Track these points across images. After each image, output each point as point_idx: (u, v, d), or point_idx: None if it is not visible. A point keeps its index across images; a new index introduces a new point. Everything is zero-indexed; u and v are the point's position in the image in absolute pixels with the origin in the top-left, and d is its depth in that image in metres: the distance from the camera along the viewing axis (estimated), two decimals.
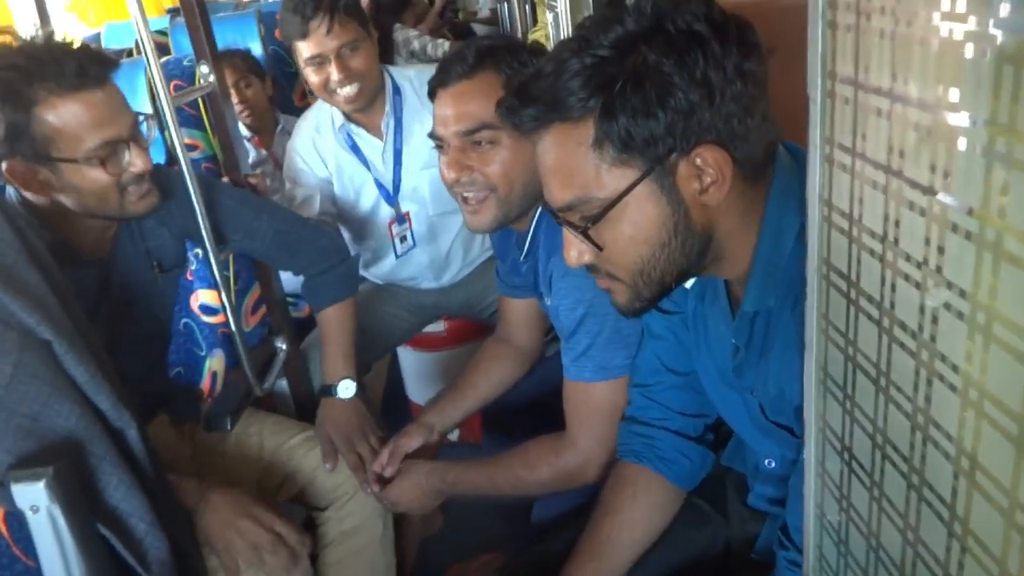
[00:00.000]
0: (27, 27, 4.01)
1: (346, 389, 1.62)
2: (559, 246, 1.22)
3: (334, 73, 1.80)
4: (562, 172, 0.85)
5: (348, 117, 1.93)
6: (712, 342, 1.05)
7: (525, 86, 0.86)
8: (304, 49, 1.81)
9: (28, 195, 1.23)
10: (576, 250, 0.89)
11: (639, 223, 0.83)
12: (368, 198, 1.99)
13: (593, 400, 1.25)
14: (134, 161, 1.24)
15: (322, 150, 1.97)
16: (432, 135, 1.29)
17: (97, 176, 1.21)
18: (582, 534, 1.17)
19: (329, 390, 1.63)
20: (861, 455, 0.58)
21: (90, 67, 1.18)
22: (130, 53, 2.13)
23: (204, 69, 1.53)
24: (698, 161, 0.80)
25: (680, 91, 0.77)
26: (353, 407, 1.62)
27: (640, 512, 1.16)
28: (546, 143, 0.86)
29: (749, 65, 0.79)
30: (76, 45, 1.21)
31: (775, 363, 0.92)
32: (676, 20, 0.79)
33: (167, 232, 1.44)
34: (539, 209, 1.31)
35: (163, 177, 1.35)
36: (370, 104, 1.89)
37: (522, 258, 1.40)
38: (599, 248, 0.86)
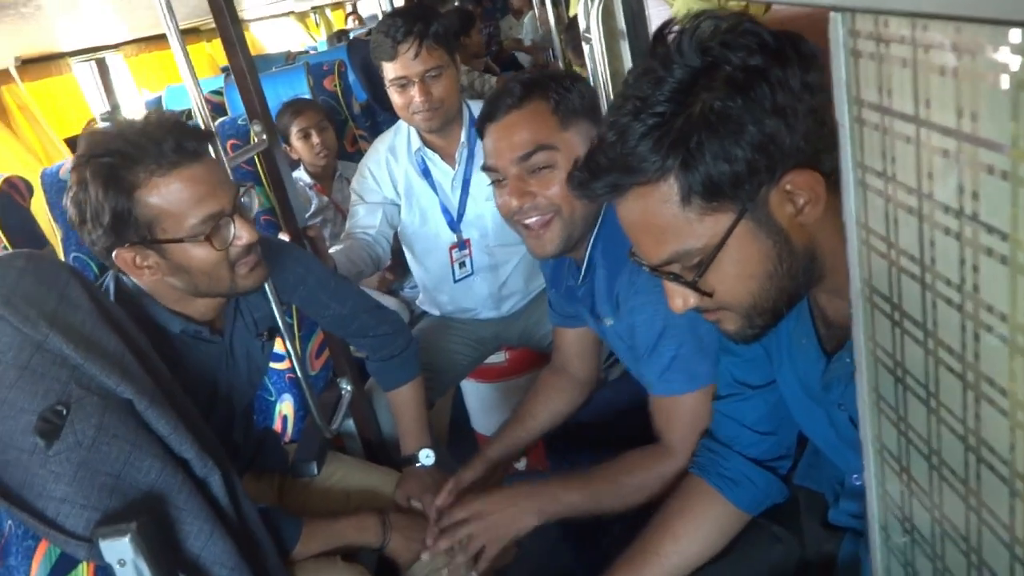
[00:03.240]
0: (95, 98, 4.24)
1: (427, 457, 1.67)
2: (623, 265, 1.24)
3: (416, 96, 1.87)
4: (652, 231, 0.84)
5: (424, 142, 2.00)
6: (795, 355, 1.04)
7: (592, 158, 0.84)
8: (390, 70, 1.89)
9: (142, 281, 1.22)
10: (680, 297, 0.87)
11: (742, 261, 0.82)
12: (433, 222, 2.05)
13: (685, 411, 1.25)
14: (240, 234, 1.20)
15: (394, 172, 2.05)
16: (486, 169, 1.32)
17: (204, 253, 1.18)
18: (634, 540, 1.17)
19: (411, 459, 1.68)
20: (919, 476, 0.57)
21: (187, 143, 1.15)
22: (190, 115, 2.23)
23: (257, 128, 1.60)
24: (788, 187, 0.78)
25: (755, 127, 0.76)
26: (435, 472, 1.66)
27: (694, 526, 1.16)
28: (628, 205, 0.85)
29: (811, 76, 0.77)
30: (169, 120, 1.18)
31: None
32: (730, 59, 0.77)
33: (267, 301, 1.47)
34: (595, 233, 1.33)
35: (264, 248, 1.33)
36: (446, 126, 1.96)
37: (579, 282, 1.41)
38: (708, 295, 0.85)
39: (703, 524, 1.16)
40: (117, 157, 1.12)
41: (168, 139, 1.13)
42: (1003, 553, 0.47)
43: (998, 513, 0.47)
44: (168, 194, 1.14)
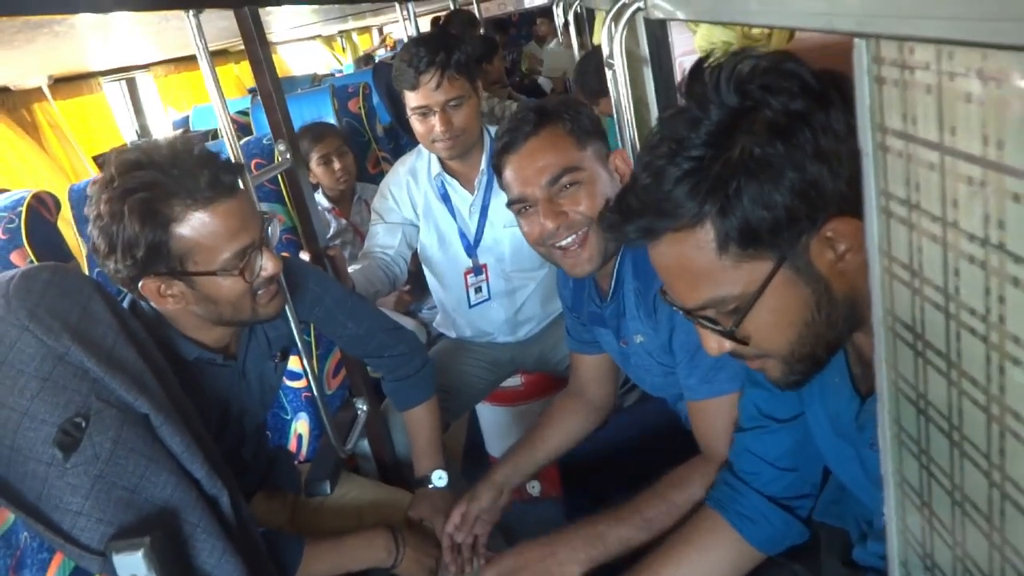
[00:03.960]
0: (123, 117, 4.31)
1: (440, 479, 1.66)
2: (656, 277, 1.24)
3: (437, 125, 1.89)
4: (687, 277, 0.82)
5: (444, 168, 2.02)
6: (827, 393, 1.01)
7: (624, 199, 0.82)
8: (412, 99, 1.91)
9: (166, 308, 1.22)
10: (716, 342, 0.85)
11: (780, 310, 0.79)
12: (450, 246, 2.07)
13: (729, 411, 1.23)
14: (266, 265, 1.22)
15: (414, 194, 2.07)
16: (513, 201, 1.32)
17: (233, 285, 1.19)
18: (636, 568, 1.15)
19: (424, 480, 1.67)
20: (941, 511, 0.56)
21: (224, 177, 1.16)
22: (215, 134, 2.26)
23: (281, 147, 1.62)
24: (829, 234, 0.75)
25: (796, 172, 0.73)
26: (447, 493, 1.65)
27: (698, 556, 1.13)
28: (661, 250, 0.82)
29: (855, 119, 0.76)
30: (198, 152, 1.18)
31: None
32: (771, 103, 0.74)
33: (283, 321, 1.48)
34: (621, 254, 1.34)
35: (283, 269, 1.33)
36: (467, 154, 1.98)
37: (607, 301, 1.41)
38: (744, 344, 0.83)
39: (710, 557, 1.14)
40: (153, 190, 1.12)
41: (205, 173, 1.14)
42: None
43: (1022, 551, 0.46)
44: (203, 228, 1.15)
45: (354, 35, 8.60)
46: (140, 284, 1.17)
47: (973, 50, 0.41)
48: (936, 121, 0.47)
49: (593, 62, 2.95)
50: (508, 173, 1.31)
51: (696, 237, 0.78)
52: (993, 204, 0.43)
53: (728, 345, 0.85)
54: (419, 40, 1.95)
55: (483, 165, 1.99)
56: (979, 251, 0.45)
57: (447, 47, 1.88)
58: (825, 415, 1.02)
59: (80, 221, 1.53)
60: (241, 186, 1.25)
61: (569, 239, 1.29)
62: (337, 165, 2.71)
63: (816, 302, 0.79)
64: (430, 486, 1.65)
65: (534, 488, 2.42)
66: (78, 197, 1.56)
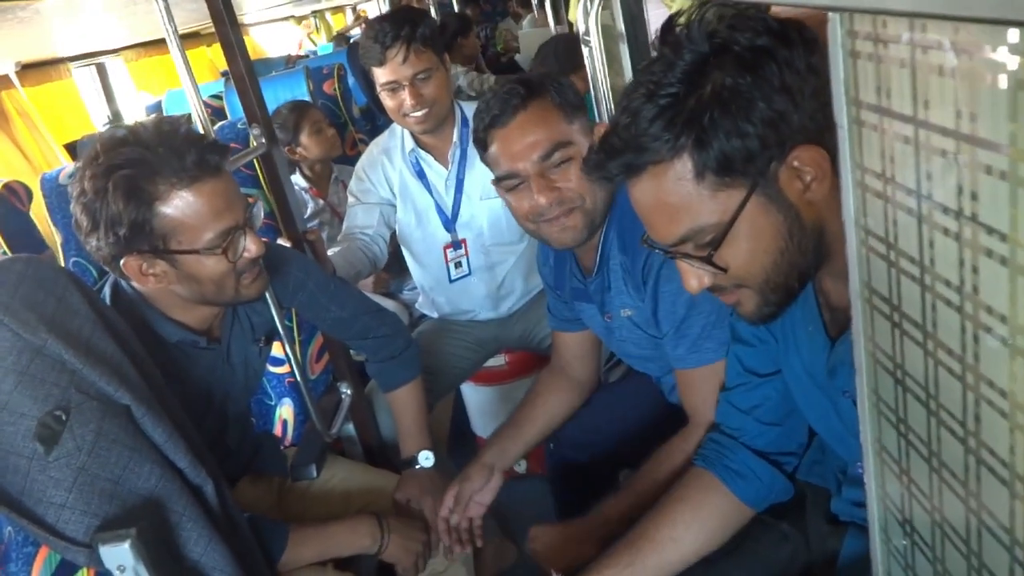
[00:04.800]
0: (94, 103, 4.23)
1: (426, 459, 1.67)
2: (643, 249, 1.26)
3: (407, 99, 1.89)
4: (667, 210, 0.86)
5: (418, 143, 2.02)
6: (801, 343, 1.05)
7: (606, 140, 0.87)
8: (380, 75, 1.90)
9: (144, 288, 1.23)
10: (695, 277, 0.89)
11: (755, 236, 0.84)
12: (428, 222, 2.07)
13: (717, 378, 1.25)
14: (249, 247, 1.22)
15: (389, 173, 2.06)
16: (502, 176, 1.31)
17: (216, 264, 1.19)
18: (632, 528, 1.17)
19: (410, 461, 1.68)
20: (919, 478, 0.57)
21: (210, 156, 1.16)
22: (189, 119, 2.23)
23: (256, 131, 1.60)
24: (796, 163, 0.81)
25: (764, 103, 0.79)
26: (434, 474, 1.66)
27: (692, 514, 1.15)
28: (642, 186, 0.87)
29: (814, 59, 0.80)
30: (184, 131, 1.17)
31: None
32: (739, 40, 0.80)
33: (266, 306, 1.47)
34: (606, 225, 1.35)
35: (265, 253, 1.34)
36: (438, 127, 1.97)
37: (592, 277, 1.42)
38: (723, 271, 0.87)
39: (702, 513, 1.16)
40: (138, 167, 1.11)
41: (191, 152, 1.13)
42: (1003, 555, 0.47)
43: (998, 515, 0.47)
44: (187, 207, 1.15)
45: (328, 15, 8.48)
46: (122, 262, 1.16)
47: (945, 23, 0.42)
48: (910, 95, 0.47)
49: (554, 46, 2.94)
50: (496, 147, 1.30)
51: (675, 169, 0.83)
52: (966, 176, 0.43)
53: (707, 279, 0.88)
54: (384, 16, 1.96)
55: (455, 138, 1.99)
56: (953, 223, 0.46)
57: (412, 21, 1.88)
58: (802, 367, 1.05)
59: (53, 211, 1.51)
60: (227, 167, 1.24)
61: (557, 211, 1.29)
62: (330, 131, 2.72)
63: (788, 230, 0.84)
64: (417, 467, 1.66)
65: (520, 466, 2.43)
66: (51, 186, 1.53)
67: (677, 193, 0.83)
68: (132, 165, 1.11)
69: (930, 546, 0.58)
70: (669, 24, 0.86)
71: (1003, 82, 0.38)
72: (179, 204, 1.14)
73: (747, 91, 0.78)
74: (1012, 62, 0.37)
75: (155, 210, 1.13)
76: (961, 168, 0.44)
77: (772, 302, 0.89)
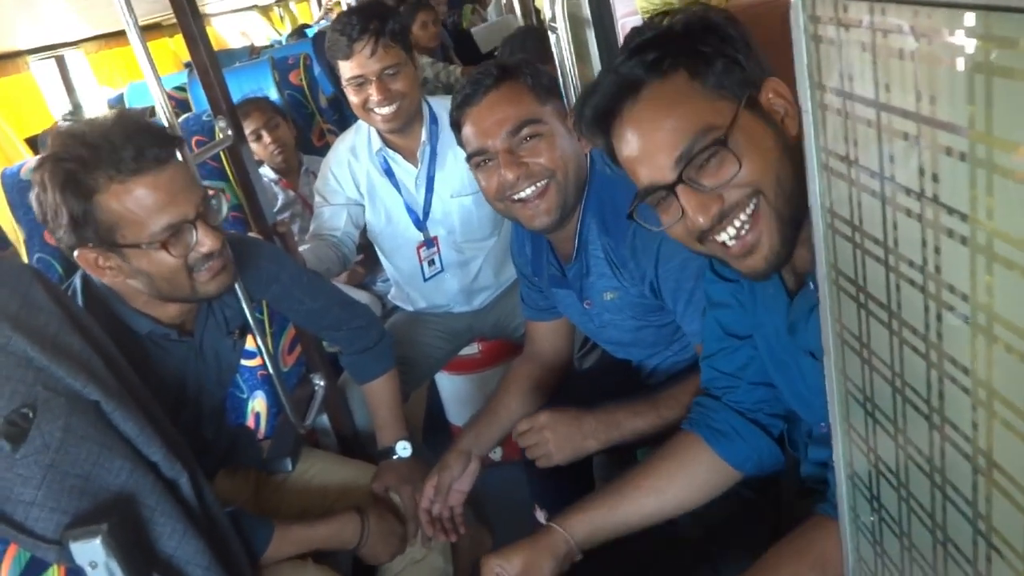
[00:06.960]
0: (56, 98, 4.15)
1: (404, 449, 1.66)
2: (626, 229, 1.30)
3: (373, 94, 1.84)
4: (670, 118, 0.90)
5: (385, 142, 1.98)
6: (767, 307, 1.07)
7: (598, 83, 0.95)
8: (346, 69, 1.86)
9: (104, 281, 1.22)
10: (702, 207, 0.89)
11: (757, 137, 0.88)
12: (398, 221, 2.04)
13: None
14: (202, 240, 1.19)
15: (356, 172, 2.02)
16: (472, 153, 1.32)
17: (163, 259, 1.17)
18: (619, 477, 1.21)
19: (388, 452, 1.67)
20: (886, 456, 0.58)
21: (149, 150, 1.14)
22: (152, 112, 2.19)
23: (222, 123, 1.57)
24: (771, 95, 0.89)
25: (737, 37, 0.90)
26: (412, 463, 1.65)
27: (676, 466, 1.18)
28: (643, 104, 0.92)
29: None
30: (133, 124, 1.16)
31: None
32: (698, 21, 0.93)
33: (237, 299, 1.45)
34: (582, 208, 1.36)
35: (236, 247, 1.32)
36: (406, 125, 1.93)
37: (570, 263, 1.42)
38: (738, 163, 0.87)
39: (686, 469, 1.18)
40: (76, 162, 1.11)
41: (128, 146, 1.12)
42: (967, 528, 0.48)
43: (962, 490, 0.48)
44: (128, 201, 1.13)
45: (292, 4, 8.37)
46: (76, 254, 1.17)
47: (904, 7, 0.42)
48: (872, 78, 0.48)
49: (521, 40, 2.93)
50: (468, 127, 1.31)
51: (673, 80, 0.90)
52: (927, 158, 0.44)
53: (715, 207, 0.88)
54: (352, 9, 1.91)
55: (424, 137, 1.96)
56: (915, 204, 0.47)
57: (380, 16, 1.84)
58: (773, 330, 1.07)
59: (15, 206, 1.48)
60: (179, 158, 1.22)
61: (528, 191, 1.30)
62: (268, 139, 2.62)
63: (783, 144, 0.88)
64: (395, 457, 1.66)
65: (495, 453, 2.44)
66: (12, 181, 1.50)
67: (678, 96, 0.90)
68: (73, 159, 1.11)
69: (897, 521, 0.59)
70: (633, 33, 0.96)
71: (961, 65, 0.39)
72: (120, 198, 1.13)
73: (722, 25, 0.90)
74: (969, 45, 0.38)
75: (96, 202, 1.12)
76: (922, 150, 0.44)
77: (787, 236, 0.89)
